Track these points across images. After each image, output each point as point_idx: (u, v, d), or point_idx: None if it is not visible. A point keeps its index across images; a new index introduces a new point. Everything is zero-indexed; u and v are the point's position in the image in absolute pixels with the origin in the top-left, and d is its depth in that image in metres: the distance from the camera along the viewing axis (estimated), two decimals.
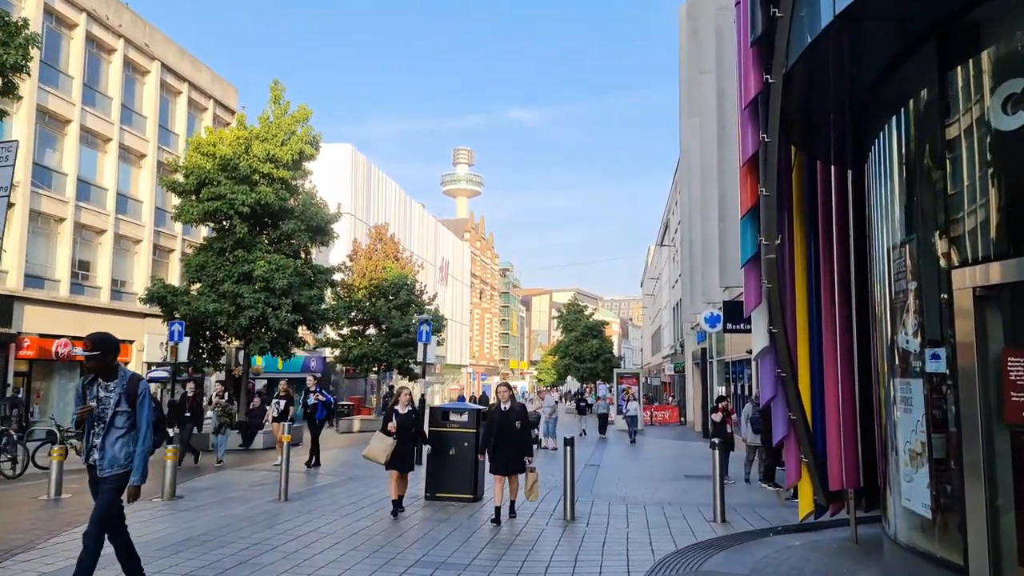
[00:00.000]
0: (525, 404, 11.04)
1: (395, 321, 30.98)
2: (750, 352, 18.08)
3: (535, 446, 19.77)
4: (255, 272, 19.78)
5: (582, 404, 30.13)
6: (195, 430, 15.98)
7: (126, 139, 27.32)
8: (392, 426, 9.51)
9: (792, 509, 9.47)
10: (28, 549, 7.36)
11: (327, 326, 28.18)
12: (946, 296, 5.24)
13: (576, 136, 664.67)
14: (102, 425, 5.15)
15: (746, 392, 20.44)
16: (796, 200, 7.93)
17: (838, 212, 8.06)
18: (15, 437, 14.44)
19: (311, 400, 15.21)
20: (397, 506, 9.49)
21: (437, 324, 31.45)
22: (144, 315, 26.15)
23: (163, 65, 29.33)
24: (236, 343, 22.70)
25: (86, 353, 5.15)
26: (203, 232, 25.57)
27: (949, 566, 5.19)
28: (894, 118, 6.19)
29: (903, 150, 6.10)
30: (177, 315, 19.56)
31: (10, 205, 11.61)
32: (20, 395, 21.86)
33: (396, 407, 9.85)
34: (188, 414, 15.44)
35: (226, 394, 17.60)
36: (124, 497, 5.21)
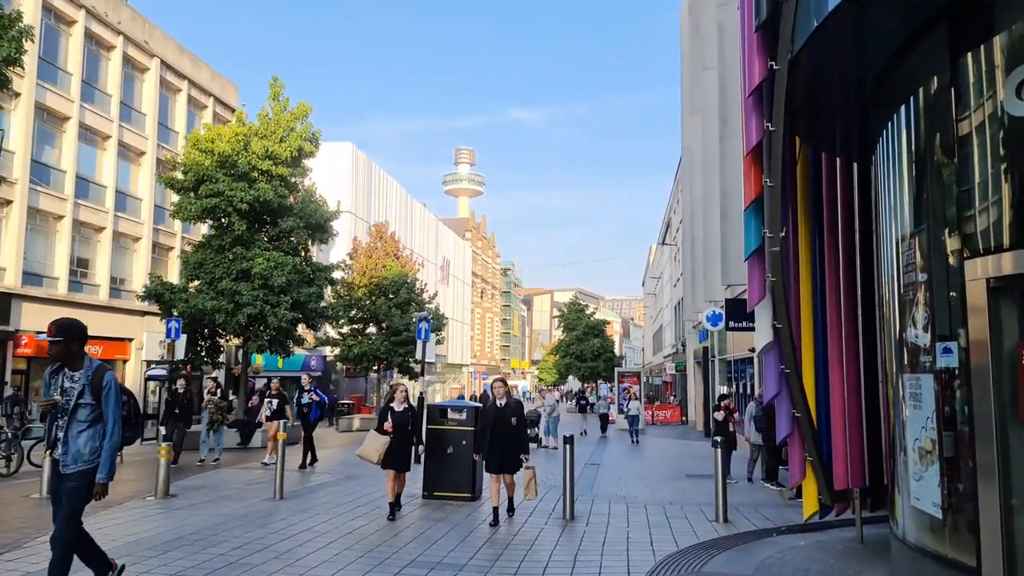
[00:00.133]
0: (521, 400, 10.85)
1: (395, 319, 30.84)
2: (752, 351, 18.02)
3: (535, 445, 19.85)
4: (253, 269, 19.63)
5: (583, 403, 30.03)
6: (184, 427, 15.72)
7: (125, 136, 27.17)
8: (388, 425, 9.23)
9: (796, 509, 9.31)
10: (15, 548, 7.22)
11: (327, 324, 28.02)
12: (958, 289, 5.07)
13: (576, 136, 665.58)
14: (65, 418, 4.93)
15: (748, 391, 20.27)
16: (801, 193, 7.76)
17: (843, 205, 7.91)
18: (11, 435, 14.33)
19: (304, 399, 15.01)
20: (394, 507, 9.22)
21: (436, 322, 31.29)
22: (143, 313, 26.00)
23: (162, 62, 29.16)
24: (235, 341, 22.56)
25: (49, 338, 4.90)
26: (202, 230, 25.43)
27: (960, 567, 5.02)
28: (903, 107, 6.02)
29: (913, 139, 5.93)
30: (175, 312, 19.43)
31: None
32: (20, 393, 21.75)
33: (392, 404, 9.59)
34: (177, 411, 15.26)
35: (218, 391, 17.38)
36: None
